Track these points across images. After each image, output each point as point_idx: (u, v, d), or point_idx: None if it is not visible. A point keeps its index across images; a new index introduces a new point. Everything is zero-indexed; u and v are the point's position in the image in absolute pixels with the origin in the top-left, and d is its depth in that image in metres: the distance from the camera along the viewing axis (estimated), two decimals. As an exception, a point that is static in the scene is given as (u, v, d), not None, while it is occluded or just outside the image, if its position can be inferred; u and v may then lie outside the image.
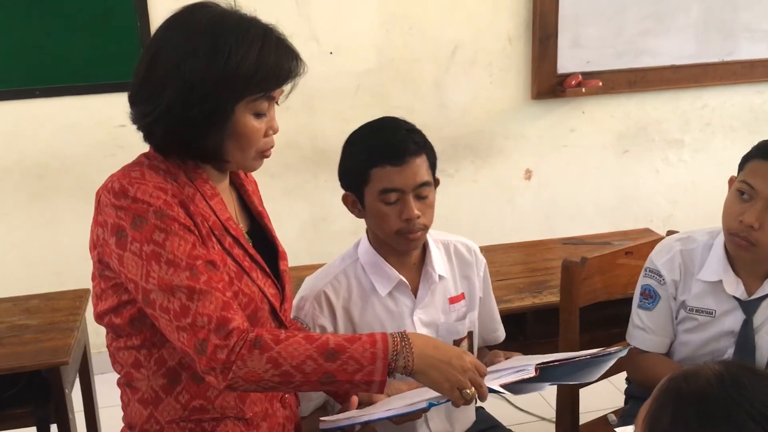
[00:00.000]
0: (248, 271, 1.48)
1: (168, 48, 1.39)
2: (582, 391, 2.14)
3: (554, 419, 2.34)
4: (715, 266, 1.86)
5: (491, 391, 1.47)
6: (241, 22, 1.40)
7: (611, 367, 1.61)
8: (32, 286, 2.73)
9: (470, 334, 1.89)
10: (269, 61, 1.38)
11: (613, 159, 3.87)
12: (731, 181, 1.82)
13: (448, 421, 1.88)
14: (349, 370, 1.36)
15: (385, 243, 1.78)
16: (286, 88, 1.46)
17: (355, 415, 1.57)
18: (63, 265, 3.30)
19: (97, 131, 3.26)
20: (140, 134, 1.45)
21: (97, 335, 1.53)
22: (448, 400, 1.45)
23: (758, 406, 0.92)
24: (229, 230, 1.47)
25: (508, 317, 2.20)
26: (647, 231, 2.86)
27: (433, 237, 1.84)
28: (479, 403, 1.76)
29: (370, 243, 1.81)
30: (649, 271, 1.93)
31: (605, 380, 1.86)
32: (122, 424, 1.56)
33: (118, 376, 1.53)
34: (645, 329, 1.94)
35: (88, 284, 1.53)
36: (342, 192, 1.79)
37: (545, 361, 1.51)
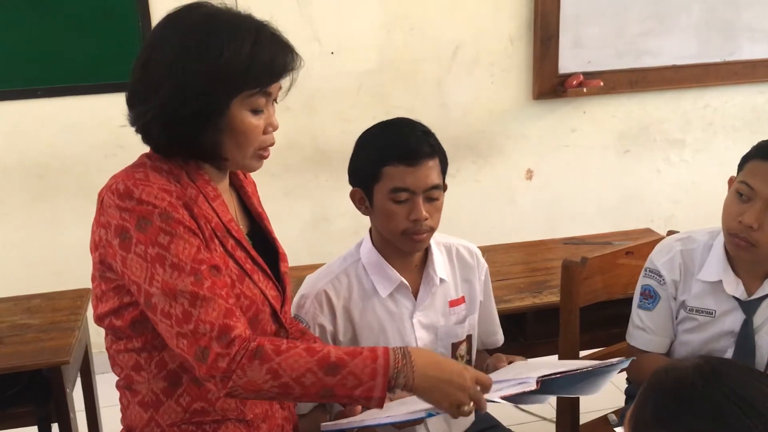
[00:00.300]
0: (250, 274, 1.47)
1: (162, 48, 1.39)
2: (582, 391, 2.14)
3: (554, 419, 2.35)
4: (715, 266, 1.85)
5: (491, 401, 1.47)
6: (233, 18, 1.40)
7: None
8: (33, 285, 2.73)
9: (469, 338, 1.89)
10: (263, 56, 1.38)
11: (615, 159, 3.87)
12: (731, 181, 1.82)
13: (446, 422, 1.88)
14: (348, 385, 1.35)
15: (388, 244, 1.78)
16: (285, 84, 1.45)
17: (354, 420, 1.57)
18: (64, 265, 3.31)
19: (99, 131, 3.26)
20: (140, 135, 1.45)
21: (98, 335, 1.54)
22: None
23: (735, 388, 0.94)
24: (232, 232, 1.47)
25: (508, 317, 2.21)
26: (648, 231, 2.86)
27: (435, 239, 1.83)
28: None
29: (373, 244, 1.81)
30: (649, 271, 1.93)
31: (605, 380, 1.86)
32: (121, 426, 1.55)
33: (117, 378, 1.52)
34: (645, 329, 1.94)
35: (89, 284, 1.52)
36: (344, 190, 1.79)
37: (547, 373, 1.50)
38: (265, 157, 1.48)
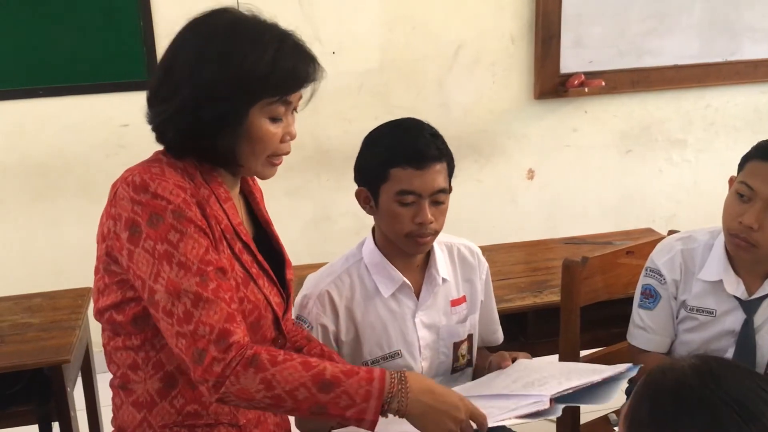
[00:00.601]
0: (255, 278, 1.47)
1: (185, 51, 1.40)
2: (583, 391, 2.14)
3: (554, 419, 2.34)
4: (715, 266, 1.85)
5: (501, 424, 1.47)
6: (258, 26, 1.40)
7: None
8: (34, 284, 2.74)
9: (470, 337, 1.90)
10: (284, 64, 1.38)
11: (616, 159, 3.87)
12: (731, 181, 1.82)
13: None
14: (341, 404, 1.34)
15: (390, 244, 1.78)
16: (306, 94, 1.45)
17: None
18: (65, 264, 3.31)
19: (100, 131, 3.26)
20: (142, 134, 1.45)
21: (99, 334, 1.54)
22: None
23: (732, 392, 0.94)
24: (240, 235, 1.47)
25: (509, 316, 2.21)
26: (649, 231, 2.86)
27: (437, 239, 1.83)
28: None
29: (376, 244, 1.81)
30: (650, 270, 1.93)
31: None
32: (112, 427, 1.54)
33: (112, 377, 1.51)
34: (646, 329, 1.94)
35: (90, 283, 1.52)
36: (345, 190, 1.79)
37: (558, 390, 1.50)
38: (277, 165, 1.48)
